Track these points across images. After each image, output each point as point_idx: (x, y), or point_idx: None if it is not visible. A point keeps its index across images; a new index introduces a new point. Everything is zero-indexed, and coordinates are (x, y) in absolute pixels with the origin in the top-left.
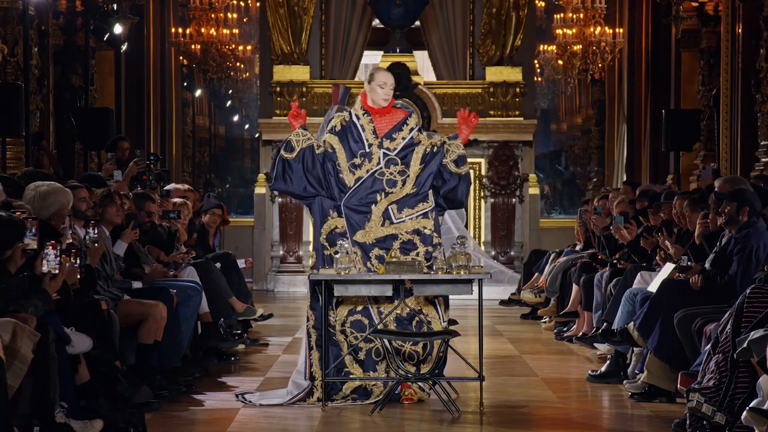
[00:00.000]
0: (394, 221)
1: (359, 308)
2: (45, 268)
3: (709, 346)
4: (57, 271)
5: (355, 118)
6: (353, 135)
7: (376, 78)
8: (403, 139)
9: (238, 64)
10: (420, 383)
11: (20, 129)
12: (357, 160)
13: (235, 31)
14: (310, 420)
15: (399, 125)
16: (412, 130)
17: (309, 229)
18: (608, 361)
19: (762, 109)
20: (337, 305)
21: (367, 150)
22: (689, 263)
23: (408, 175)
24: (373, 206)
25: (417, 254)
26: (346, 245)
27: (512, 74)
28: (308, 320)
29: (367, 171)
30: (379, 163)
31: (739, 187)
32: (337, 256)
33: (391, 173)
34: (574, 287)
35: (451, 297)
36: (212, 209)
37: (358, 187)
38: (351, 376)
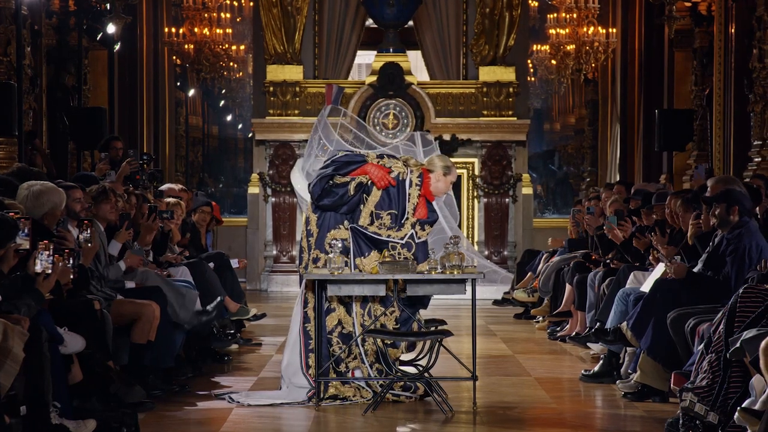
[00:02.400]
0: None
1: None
2: (38, 268)
3: (702, 345)
4: (50, 271)
5: (408, 183)
6: (397, 196)
7: (452, 175)
8: (428, 234)
9: (231, 63)
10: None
11: (13, 129)
12: (384, 217)
13: (229, 30)
14: (303, 420)
15: (431, 221)
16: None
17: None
18: (601, 361)
19: (755, 109)
20: (327, 313)
21: (403, 221)
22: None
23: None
24: (375, 252)
25: None
26: (340, 245)
27: (505, 74)
28: (308, 321)
29: (389, 236)
30: (402, 239)
31: (727, 188)
32: (331, 255)
33: (399, 252)
34: (568, 287)
35: (444, 297)
36: (201, 207)
37: (372, 238)
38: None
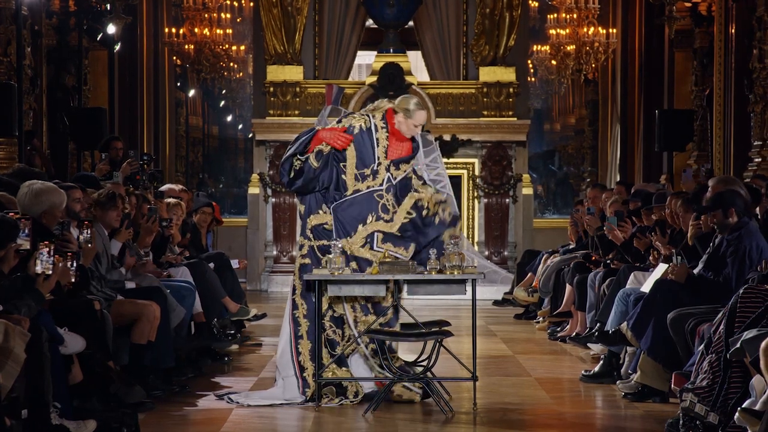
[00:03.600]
0: (374, 248)
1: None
2: (38, 269)
3: (702, 346)
4: (50, 272)
5: (373, 129)
6: (367, 146)
7: (415, 117)
8: (405, 172)
9: (231, 64)
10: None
11: (13, 129)
12: (366, 171)
13: (229, 31)
14: (303, 420)
15: (408, 158)
16: (413, 167)
17: None
18: (601, 361)
19: (755, 110)
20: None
21: (376, 168)
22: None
23: (397, 212)
24: (360, 226)
25: None
26: (339, 245)
27: (505, 74)
28: (296, 308)
29: (368, 187)
30: (381, 185)
31: (717, 192)
32: (330, 256)
33: (387, 200)
34: (568, 287)
35: (444, 297)
36: (202, 208)
37: (353, 199)
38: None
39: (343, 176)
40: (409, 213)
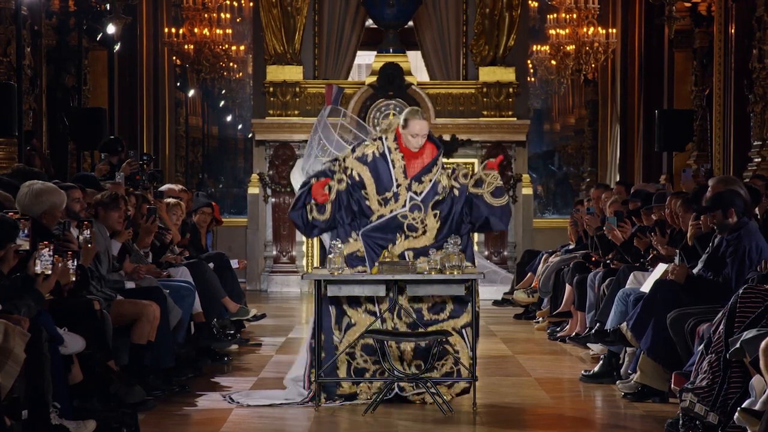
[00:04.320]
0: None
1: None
2: (38, 269)
3: (702, 346)
4: (50, 272)
5: (387, 152)
6: (384, 170)
7: (410, 127)
8: (430, 181)
9: (231, 64)
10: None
11: (13, 129)
12: (388, 195)
13: (229, 31)
14: (303, 420)
15: (429, 167)
16: (438, 170)
17: None
18: (601, 362)
19: (755, 110)
20: (347, 328)
21: (396, 190)
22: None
23: (427, 225)
24: (390, 245)
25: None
26: (340, 245)
27: (505, 74)
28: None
29: (391, 211)
30: (404, 206)
31: (716, 192)
32: (330, 256)
33: (413, 218)
34: (567, 287)
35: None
36: (202, 208)
37: (378, 224)
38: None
39: (366, 202)
40: (437, 221)
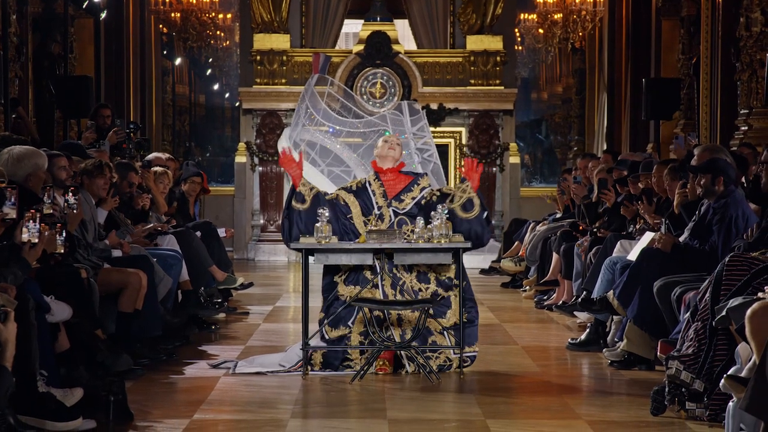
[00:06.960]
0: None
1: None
2: (25, 237)
3: (688, 314)
4: (36, 240)
5: (367, 184)
6: (366, 197)
7: (379, 146)
8: (413, 198)
9: (218, 32)
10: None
11: None
12: (371, 217)
13: None
14: (290, 389)
15: (408, 186)
16: (423, 189)
17: None
18: (588, 330)
19: (742, 78)
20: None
21: (378, 212)
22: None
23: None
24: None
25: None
26: (327, 214)
27: (493, 43)
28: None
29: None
30: (391, 220)
31: (712, 157)
32: (318, 225)
33: (403, 232)
34: (554, 256)
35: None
36: (191, 177)
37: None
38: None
39: (353, 221)
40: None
